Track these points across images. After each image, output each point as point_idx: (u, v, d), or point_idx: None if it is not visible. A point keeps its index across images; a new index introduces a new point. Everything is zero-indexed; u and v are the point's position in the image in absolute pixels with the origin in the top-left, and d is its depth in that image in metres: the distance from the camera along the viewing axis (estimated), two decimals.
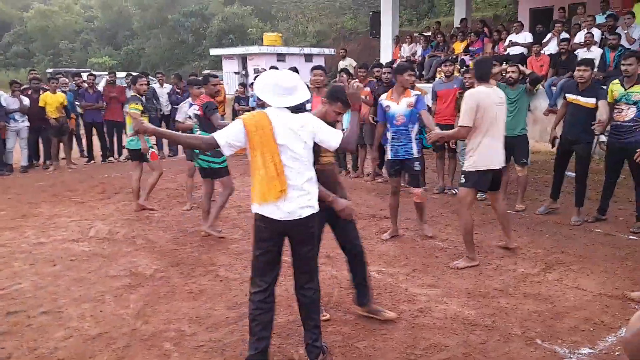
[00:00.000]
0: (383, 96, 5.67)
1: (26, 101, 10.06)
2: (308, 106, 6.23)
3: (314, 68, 6.56)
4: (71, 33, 41.56)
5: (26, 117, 10.12)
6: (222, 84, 13.91)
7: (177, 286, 4.59)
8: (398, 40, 15.76)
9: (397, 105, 5.45)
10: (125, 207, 7.44)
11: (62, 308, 4.17)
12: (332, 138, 3.17)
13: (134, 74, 12.83)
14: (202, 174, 6.16)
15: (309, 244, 3.17)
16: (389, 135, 5.58)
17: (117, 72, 12.94)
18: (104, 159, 11.31)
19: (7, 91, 10.25)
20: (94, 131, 11.31)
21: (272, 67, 11.71)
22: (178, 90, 11.41)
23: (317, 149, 3.28)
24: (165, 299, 4.31)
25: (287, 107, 3.09)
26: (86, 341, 3.63)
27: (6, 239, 6.03)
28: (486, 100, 4.72)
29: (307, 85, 4.15)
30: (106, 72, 14.80)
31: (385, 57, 15.81)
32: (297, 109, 3.15)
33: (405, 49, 15.16)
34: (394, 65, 7.78)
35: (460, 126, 4.84)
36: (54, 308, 4.17)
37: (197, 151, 5.90)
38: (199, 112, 5.98)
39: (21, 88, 10.25)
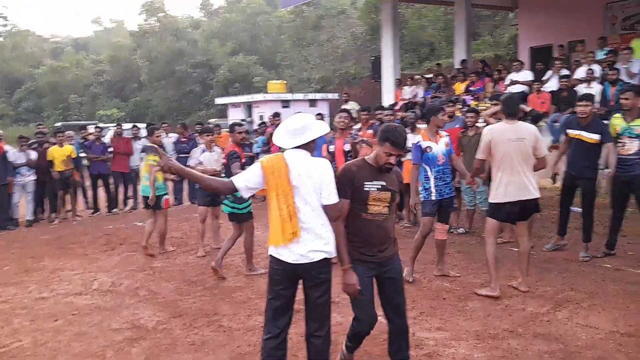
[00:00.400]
0: (417, 138, 5.75)
1: (33, 155, 10.19)
2: (331, 147, 6.57)
3: (340, 111, 6.78)
4: (80, 87, 42.46)
5: (33, 171, 10.23)
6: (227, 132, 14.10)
7: (178, 338, 4.50)
8: (399, 83, 15.95)
9: (437, 146, 5.56)
10: (130, 258, 7.40)
11: None
12: (327, 196, 3.08)
13: (139, 125, 13.07)
14: (229, 219, 6.39)
15: (320, 289, 3.11)
16: (431, 175, 5.59)
17: (123, 124, 13.14)
18: (109, 210, 11.35)
19: (15, 146, 10.41)
20: (100, 182, 11.39)
21: (276, 113, 11.89)
22: (184, 139, 11.55)
23: (366, 196, 3.23)
24: (167, 352, 4.22)
25: (303, 148, 3.11)
26: None
27: (8, 295, 5.99)
28: (501, 137, 4.91)
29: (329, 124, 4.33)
30: (114, 124, 15.06)
31: (388, 99, 15.97)
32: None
33: (407, 91, 15.30)
34: (425, 107, 7.92)
35: (476, 159, 5.20)
36: None
37: (223, 196, 6.21)
38: (224, 161, 6.24)
39: (28, 142, 10.41)
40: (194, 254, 7.43)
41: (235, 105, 28.40)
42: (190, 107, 37.33)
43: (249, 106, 27.70)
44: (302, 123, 3.13)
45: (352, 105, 15.71)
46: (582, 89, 9.88)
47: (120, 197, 11.59)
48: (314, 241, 3.03)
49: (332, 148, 6.51)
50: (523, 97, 11.05)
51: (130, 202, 11.61)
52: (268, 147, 10.94)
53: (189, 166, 7.33)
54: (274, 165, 3.06)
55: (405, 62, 26.31)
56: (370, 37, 28.65)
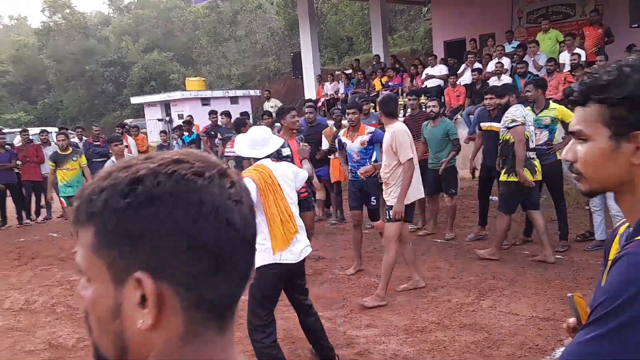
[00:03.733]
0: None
1: None
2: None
3: (349, 107, 6.13)
4: None
5: None
6: (143, 134, 13.59)
7: None
8: (320, 79, 16.03)
9: (351, 143, 5.77)
10: (44, 273, 6.96)
11: None
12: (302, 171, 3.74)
13: (48, 129, 12.33)
14: None
15: (304, 277, 3.63)
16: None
17: (30, 129, 12.34)
18: (20, 222, 10.62)
19: None
20: (7, 193, 10.63)
21: (194, 116, 11.54)
22: (97, 143, 10.97)
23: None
24: None
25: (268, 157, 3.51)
26: None
27: None
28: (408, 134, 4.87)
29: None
30: (18, 129, 14.11)
31: (309, 95, 16.00)
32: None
33: (328, 87, 15.41)
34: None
35: (407, 161, 4.82)
36: None
37: None
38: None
39: None
40: None
41: (151, 104, 27.52)
42: (103, 107, 35.82)
43: (166, 105, 26.92)
44: (266, 135, 3.55)
45: (274, 103, 15.62)
46: (493, 82, 10.32)
47: (32, 207, 10.87)
48: (304, 236, 3.44)
49: (284, 151, 5.58)
50: (439, 90, 11.41)
51: (43, 212, 10.93)
52: (191, 146, 10.58)
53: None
54: (263, 175, 3.34)
55: (325, 58, 26.50)
56: (289, 33, 28.60)
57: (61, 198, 8.05)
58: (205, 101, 25.94)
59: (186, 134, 10.92)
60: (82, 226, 0.66)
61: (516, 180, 5.54)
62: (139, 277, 0.62)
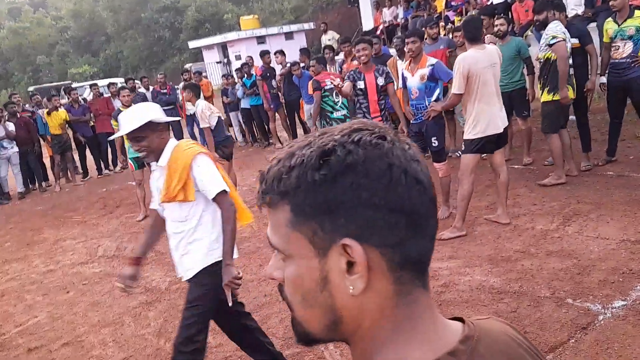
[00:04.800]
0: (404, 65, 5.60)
1: (11, 127, 9.88)
2: (360, 84, 5.63)
3: (358, 42, 5.75)
4: (46, 47, 40.94)
5: (14, 142, 9.96)
6: (206, 78, 13.70)
7: None
8: (378, 5, 15.46)
9: (411, 78, 5.34)
10: (129, 220, 7.33)
11: (82, 336, 4.09)
12: None
13: (114, 81, 12.66)
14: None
15: None
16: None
17: (98, 82, 12.71)
18: (99, 173, 11.16)
19: None
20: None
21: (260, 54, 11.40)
22: (164, 91, 11.17)
23: None
24: None
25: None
26: None
27: (15, 271, 5.95)
28: (477, 66, 4.58)
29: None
30: (87, 83, 14.57)
31: (367, 24, 15.53)
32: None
33: (387, 14, 14.86)
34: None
35: (453, 94, 4.73)
36: (74, 338, 4.09)
37: None
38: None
39: (3, 114, 10.06)
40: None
41: (209, 47, 27.55)
42: (162, 54, 36.25)
43: (223, 47, 26.89)
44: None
45: (331, 35, 15.29)
46: None
47: (110, 157, 11.37)
48: None
49: (361, 84, 5.61)
50: (506, 6, 10.74)
51: (120, 161, 11.40)
52: (253, 90, 10.58)
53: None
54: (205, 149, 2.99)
55: None
56: None
57: (130, 160, 7.21)
58: (260, 39, 25.69)
59: (246, 76, 10.87)
60: (275, 206, 0.68)
61: (558, 98, 5.38)
62: (346, 243, 0.63)
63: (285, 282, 0.70)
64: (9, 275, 5.87)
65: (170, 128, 10.14)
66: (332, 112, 6.57)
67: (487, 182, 5.95)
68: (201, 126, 6.82)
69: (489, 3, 11.24)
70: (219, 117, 6.82)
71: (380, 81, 5.56)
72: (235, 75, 11.50)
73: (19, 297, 5.15)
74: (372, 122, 0.70)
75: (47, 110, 10.31)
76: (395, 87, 6.76)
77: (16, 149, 9.99)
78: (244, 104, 10.89)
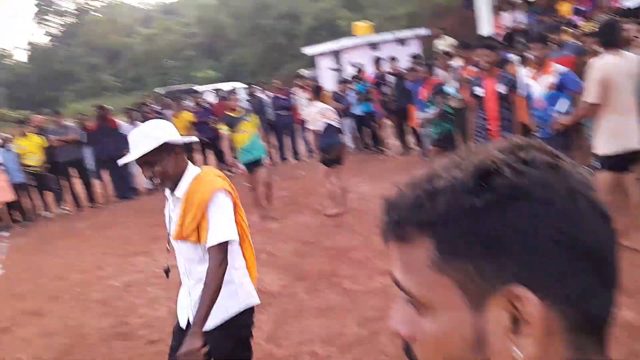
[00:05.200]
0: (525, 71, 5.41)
1: None
2: (478, 90, 5.46)
3: (479, 47, 5.66)
4: (174, 52, 43.98)
5: None
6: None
7: (304, 302, 4.58)
8: (497, 10, 14.89)
9: (535, 84, 5.09)
10: (247, 220, 7.60)
11: None
12: None
13: (236, 85, 13.25)
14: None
15: None
16: None
17: (222, 86, 13.39)
18: None
19: (120, 117, 10.99)
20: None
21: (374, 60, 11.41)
22: (282, 97, 11.54)
23: None
24: (295, 318, 4.31)
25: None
26: None
27: (141, 265, 6.40)
28: (614, 73, 4.21)
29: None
30: (209, 86, 15.39)
31: (484, 29, 15.00)
32: None
33: (506, 18, 14.27)
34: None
35: (587, 104, 4.38)
36: None
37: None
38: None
39: (135, 114, 10.89)
40: (305, 212, 7.51)
41: (323, 54, 28.06)
42: (278, 60, 37.48)
43: (336, 53, 27.26)
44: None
45: (448, 41, 14.95)
46: None
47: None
48: None
49: (479, 91, 5.42)
50: None
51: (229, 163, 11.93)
52: (367, 95, 10.63)
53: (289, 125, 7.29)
54: (229, 182, 2.52)
55: None
56: None
57: (242, 165, 7.32)
58: (373, 46, 25.72)
59: (359, 82, 10.98)
60: (410, 240, 0.55)
61: None
62: (517, 293, 0.50)
63: (420, 340, 0.56)
64: (136, 267, 6.33)
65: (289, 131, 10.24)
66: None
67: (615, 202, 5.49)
68: (310, 127, 7.12)
69: (619, 6, 10.42)
70: (329, 124, 6.89)
71: (502, 88, 5.27)
72: (348, 82, 11.62)
73: (143, 290, 5.53)
74: (529, 140, 0.58)
75: (173, 112, 11.02)
76: None
77: None
78: (356, 110, 10.97)
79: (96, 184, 10.72)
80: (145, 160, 2.27)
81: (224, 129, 7.36)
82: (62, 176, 10.15)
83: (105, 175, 10.73)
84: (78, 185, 10.44)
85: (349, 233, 6.28)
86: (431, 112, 7.04)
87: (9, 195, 9.53)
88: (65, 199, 10.30)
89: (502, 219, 0.50)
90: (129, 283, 5.82)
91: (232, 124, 7.14)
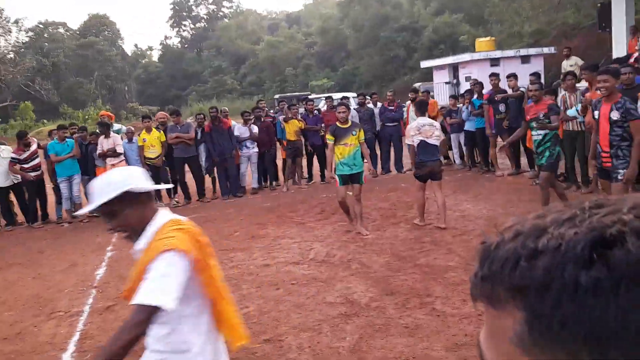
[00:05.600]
0: None
1: (255, 129, 11.06)
2: (596, 114, 5.43)
3: (600, 72, 5.56)
4: (294, 59, 45.44)
5: (255, 143, 11.13)
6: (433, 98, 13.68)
7: (392, 318, 4.44)
8: (635, 31, 13.76)
9: None
10: (341, 228, 7.60)
11: (283, 336, 4.31)
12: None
13: (348, 95, 13.37)
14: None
15: None
16: None
17: (333, 95, 13.55)
18: (322, 179, 11.84)
19: (239, 121, 11.45)
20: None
21: (471, 79, 11.03)
22: (391, 108, 11.47)
23: None
24: (380, 333, 4.19)
25: None
26: None
27: (238, 260, 6.58)
28: None
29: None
30: (324, 95, 15.64)
31: (619, 51, 13.92)
32: None
33: None
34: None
35: None
36: (275, 336, 4.33)
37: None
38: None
39: (250, 117, 11.31)
40: (402, 226, 7.36)
41: (440, 67, 27.58)
42: (394, 72, 37.39)
43: (454, 68, 26.66)
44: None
45: (574, 61, 14.12)
46: None
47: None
48: None
49: (596, 114, 5.38)
50: None
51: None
52: (479, 111, 10.26)
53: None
54: (192, 233, 2.17)
55: (637, 6, 22.69)
56: None
57: (336, 176, 7.18)
58: (494, 62, 24.83)
59: (476, 96, 10.61)
60: (499, 305, 0.46)
61: None
62: None
63: None
64: (233, 263, 6.52)
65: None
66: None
67: None
68: (407, 142, 7.24)
69: None
70: (422, 140, 6.91)
71: (615, 115, 5.07)
72: (462, 96, 11.28)
73: (237, 286, 5.66)
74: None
75: (285, 117, 11.32)
76: None
77: (256, 149, 11.15)
78: (469, 126, 10.62)
79: (207, 180, 11.26)
80: (105, 211, 2.06)
81: (328, 139, 7.31)
82: (176, 170, 10.75)
83: (215, 172, 11.22)
84: (190, 180, 11.02)
85: (445, 252, 6.04)
86: (540, 133, 6.64)
87: None
88: (178, 192, 10.90)
89: (616, 303, 0.40)
90: (224, 277, 5.97)
91: (338, 134, 7.08)
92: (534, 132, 6.75)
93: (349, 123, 7.18)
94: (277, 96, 28.68)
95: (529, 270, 0.43)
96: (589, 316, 0.40)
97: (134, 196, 2.08)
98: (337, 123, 7.18)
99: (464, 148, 11.20)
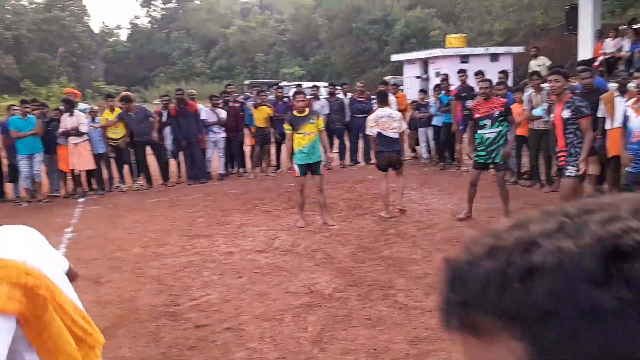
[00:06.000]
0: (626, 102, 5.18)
1: (223, 114, 10.88)
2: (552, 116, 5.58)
3: (550, 73, 5.58)
4: (266, 46, 45.01)
5: (223, 129, 10.95)
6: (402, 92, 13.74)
7: (354, 310, 4.44)
8: (601, 35, 14.07)
9: (635, 118, 4.88)
10: (308, 218, 7.55)
11: (244, 325, 4.26)
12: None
13: (318, 84, 13.30)
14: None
15: None
16: None
17: (303, 84, 13.45)
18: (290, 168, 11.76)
19: (207, 105, 11.26)
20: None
21: (460, 70, 11.11)
22: (361, 99, 11.45)
23: None
24: (342, 324, 4.18)
25: None
26: None
27: (201, 247, 6.48)
28: None
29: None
30: (294, 83, 15.52)
31: (584, 53, 14.23)
32: None
33: (609, 44, 13.45)
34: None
35: None
36: (236, 324, 4.28)
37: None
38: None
39: (218, 102, 11.11)
40: (368, 217, 7.37)
41: (410, 61, 27.77)
42: (365, 64, 37.45)
43: (425, 62, 26.88)
44: None
45: (542, 61, 14.32)
46: None
47: None
48: None
49: (552, 116, 5.67)
50: None
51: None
52: (447, 107, 10.36)
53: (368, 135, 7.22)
54: (20, 279, 1.56)
55: (604, 11, 23.22)
56: None
57: (295, 166, 7.14)
58: (464, 59, 25.16)
59: (444, 92, 10.70)
60: (483, 334, 0.39)
61: None
62: None
63: None
64: (195, 249, 6.42)
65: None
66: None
67: None
68: (366, 132, 7.49)
69: None
70: (379, 132, 7.12)
71: (566, 114, 5.16)
72: (432, 91, 11.37)
73: (199, 272, 5.58)
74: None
75: (254, 103, 11.17)
76: (611, 126, 6.05)
77: (224, 134, 10.98)
78: (436, 121, 10.72)
79: (171, 163, 11.04)
80: None
81: (286, 129, 7.18)
82: (139, 152, 10.49)
83: (181, 156, 11.01)
84: (153, 162, 10.79)
85: (410, 245, 6.07)
86: (494, 131, 6.65)
87: (90, 164, 10.00)
88: (140, 174, 10.66)
89: (625, 325, 0.34)
90: (186, 264, 5.90)
91: (295, 123, 6.96)
92: (486, 130, 6.55)
93: (306, 112, 7.02)
94: (247, 82, 28.38)
95: (524, 293, 0.36)
96: (614, 343, 0.34)
97: None
98: (294, 112, 7.04)
99: (431, 143, 11.29)
